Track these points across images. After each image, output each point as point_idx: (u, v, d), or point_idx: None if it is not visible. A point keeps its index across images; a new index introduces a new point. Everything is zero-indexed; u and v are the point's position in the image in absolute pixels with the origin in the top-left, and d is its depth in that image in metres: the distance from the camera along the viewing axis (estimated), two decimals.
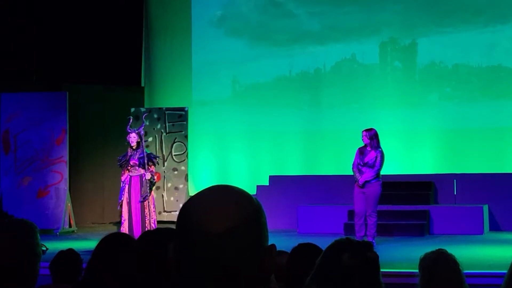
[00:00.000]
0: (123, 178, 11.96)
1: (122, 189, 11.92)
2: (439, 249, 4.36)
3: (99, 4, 16.68)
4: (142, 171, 11.85)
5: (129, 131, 12.14)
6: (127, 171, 11.89)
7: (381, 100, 15.49)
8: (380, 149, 11.60)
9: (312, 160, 15.91)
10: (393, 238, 12.73)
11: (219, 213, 1.66)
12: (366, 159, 11.59)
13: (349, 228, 12.81)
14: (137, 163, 11.83)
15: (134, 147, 11.89)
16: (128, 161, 11.86)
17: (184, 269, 1.68)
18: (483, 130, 15.07)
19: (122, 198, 11.89)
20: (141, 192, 11.82)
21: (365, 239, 11.18)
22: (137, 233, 10.94)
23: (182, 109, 16.03)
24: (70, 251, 5.63)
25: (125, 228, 11.71)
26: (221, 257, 1.64)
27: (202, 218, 1.66)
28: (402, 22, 15.71)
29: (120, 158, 12.02)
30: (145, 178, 11.84)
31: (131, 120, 12.53)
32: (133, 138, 11.95)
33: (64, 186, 14.84)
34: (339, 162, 14.92)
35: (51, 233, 14.21)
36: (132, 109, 16.11)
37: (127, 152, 12.06)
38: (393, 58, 15.90)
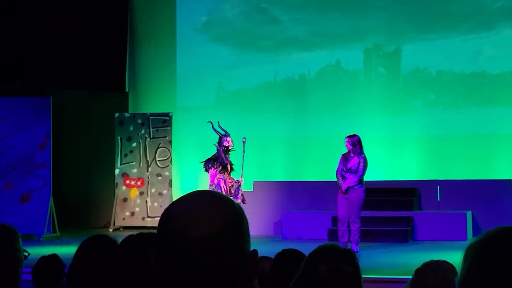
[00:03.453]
0: (217, 181, 11.64)
1: (220, 190, 11.32)
2: (443, 260, 4.34)
3: (83, 9, 16.64)
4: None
5: (226, 133, 11.88)
6: (221, 174, 11.61)
7: (366, 106, 15.49)
8: (363, 155, 11.64)
9: (296, 166, 15.90)
10: (376, 244, 12.74)
11: (201, 217, 1.67)
12: (349, 165, 11.64)
13: (333, 234, 12.81)
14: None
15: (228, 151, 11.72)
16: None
17: (166, 273, 1.68)
18: (467, 137, 15.10)
19: None
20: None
21: (349, 245, 11.20)
22: None
23: (166, 114, 16.01)
24: (52, 256, 5.60)
25: None
26: (202, 261, 1.64)
27: (183, 223, 1.66)
28: (387, 28, 15.74)
29: (220, 161, 11.60)
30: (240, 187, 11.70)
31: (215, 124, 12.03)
32: (230, 141, 11.76)
33: (47, 191, 14.78)
34: (323, 168, 14.91)
35: (34, 239, 14.14)
36: (116, 114, 16.09)
37: (220, 156, 11.70)
38: (378, 64, 15.91)
